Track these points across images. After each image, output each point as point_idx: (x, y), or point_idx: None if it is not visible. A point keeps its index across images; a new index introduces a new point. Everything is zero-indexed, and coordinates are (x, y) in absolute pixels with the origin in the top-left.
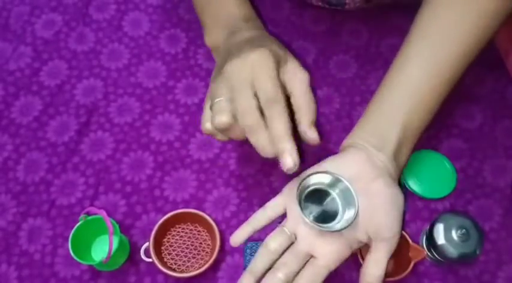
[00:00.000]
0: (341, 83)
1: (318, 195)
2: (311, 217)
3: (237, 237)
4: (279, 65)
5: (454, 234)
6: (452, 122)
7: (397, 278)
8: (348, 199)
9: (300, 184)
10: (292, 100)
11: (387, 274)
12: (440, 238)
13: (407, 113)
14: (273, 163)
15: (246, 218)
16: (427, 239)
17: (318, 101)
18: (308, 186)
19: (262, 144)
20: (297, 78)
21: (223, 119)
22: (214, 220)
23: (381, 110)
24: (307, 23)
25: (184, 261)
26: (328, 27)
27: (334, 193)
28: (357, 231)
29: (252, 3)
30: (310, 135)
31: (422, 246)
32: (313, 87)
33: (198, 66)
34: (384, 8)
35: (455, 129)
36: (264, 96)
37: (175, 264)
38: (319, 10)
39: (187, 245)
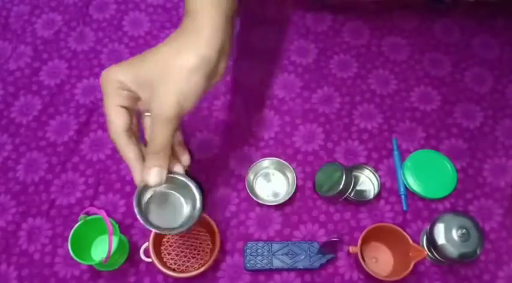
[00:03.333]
0: (342, 82)
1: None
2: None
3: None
4: (128, 94)
5: (454, 234)
6: (452, 122)
7: (397, 278)
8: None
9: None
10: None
11: (387, 274)
12: (440, 238)
13: None
14: None
15: (246, 218)
16: (427, 239)
17: (319, 101)
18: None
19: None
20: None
21: None
22: (214, 221)
23: None
24: (309, 22)
25: (184, 261)
26: (329, 27)
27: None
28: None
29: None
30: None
31: (423, 246)
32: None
33: None
34: (385, 8)
35: (455, 129)
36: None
37: (175, 264)
38: (320, 10)
39: (187, 245)
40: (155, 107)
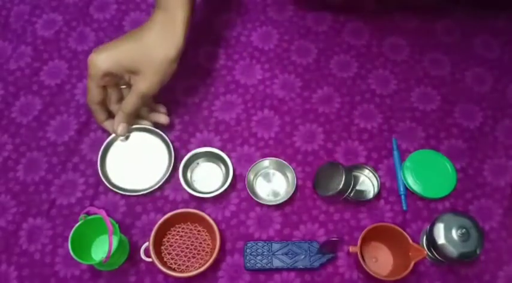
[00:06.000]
0: (342, 82)
1: None
2: None
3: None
4: (116, 75)
5: (454, 234)
6: (452, 122)
7: (397, 278)
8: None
9: None
10: None
11: (387, 274)
12: (440, 238)
13: None
14: None
15: (246, 218)
16: (427, 239)
17: (319, 100)
18: None
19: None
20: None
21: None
22: (214, 220)
23: None
24: (309, 22)
25: (184, 261)
26: (330, 27)
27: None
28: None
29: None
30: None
31: (423, 246)
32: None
33: (198, 66)
34: (386, 8)
35: (455, 129)
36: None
37: (175, 263)
38: (321, 10)
39: (187, 245)
40: (142, 86)
